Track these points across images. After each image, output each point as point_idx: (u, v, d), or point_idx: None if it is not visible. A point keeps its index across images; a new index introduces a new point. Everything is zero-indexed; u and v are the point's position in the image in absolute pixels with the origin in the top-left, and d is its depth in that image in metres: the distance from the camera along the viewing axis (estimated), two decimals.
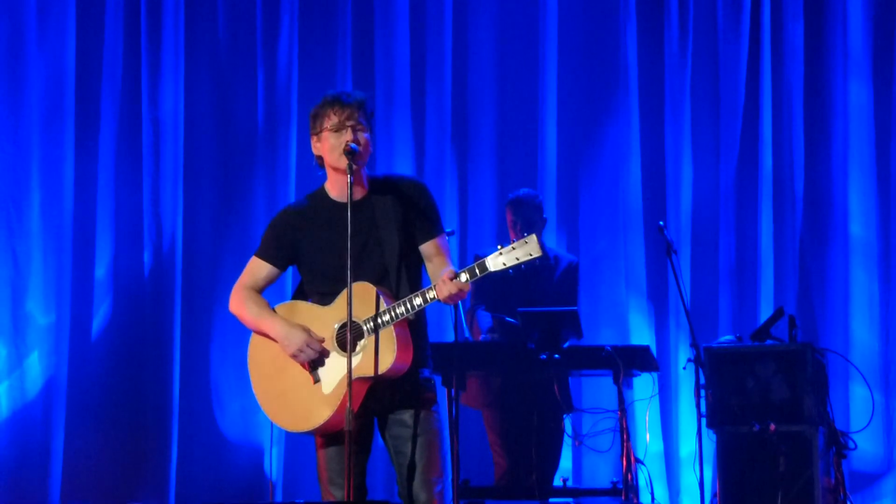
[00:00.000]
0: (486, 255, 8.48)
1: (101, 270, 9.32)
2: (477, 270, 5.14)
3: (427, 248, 5.40)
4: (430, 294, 5.18)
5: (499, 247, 5.18)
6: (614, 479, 8.11)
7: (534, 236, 5.13)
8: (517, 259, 5.13)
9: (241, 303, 5.46)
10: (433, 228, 5.41)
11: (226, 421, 9.44)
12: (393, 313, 5.18)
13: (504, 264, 5.13)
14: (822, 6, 10.05)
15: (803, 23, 10.01)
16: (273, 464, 9.33)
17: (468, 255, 9.65)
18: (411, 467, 5.25)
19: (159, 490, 9.18)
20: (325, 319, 5.29)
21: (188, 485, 9.32)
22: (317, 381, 5.28)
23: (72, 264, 9.17)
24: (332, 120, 5.35)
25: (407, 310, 5.19)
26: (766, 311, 9.44)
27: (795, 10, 9.99)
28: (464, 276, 5.14)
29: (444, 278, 5.15)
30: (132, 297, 9.36)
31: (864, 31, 9.95)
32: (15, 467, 8.93)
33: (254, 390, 5.40)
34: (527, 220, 8.52)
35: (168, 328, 9.31)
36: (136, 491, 9.20)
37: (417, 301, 5.18)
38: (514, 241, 5.17)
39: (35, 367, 9.04)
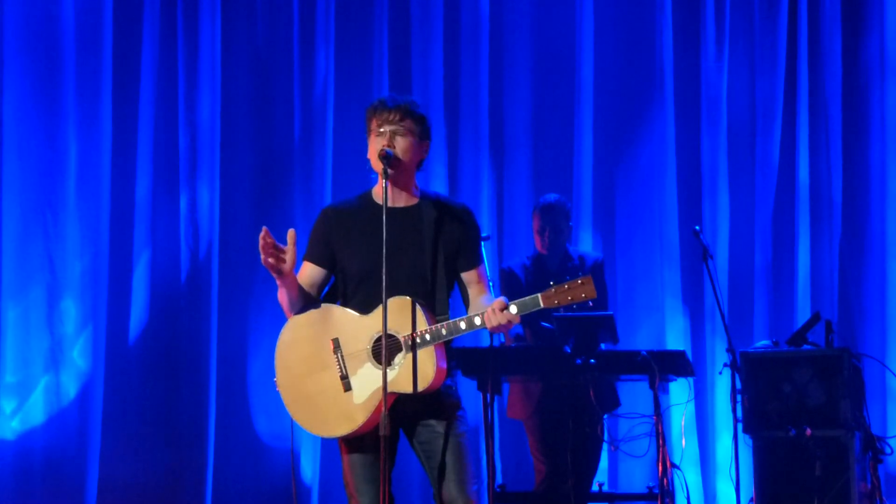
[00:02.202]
0: (513, 267, 8.56)
1: (137, 275, 9.36)
2: (529, 305, 5.14)
3: (469, 275, 5.43)
4: (478, 321, 5.18)
5: (551, 283, 5.18)
6: (650, 484, 8.11)
7: (590, 278, 5.14)
8: (570, 300, 5.13)
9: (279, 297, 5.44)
10: (477, 258, 5.45)
11: (262, 426, 9.46)
12: (437, 334, 5.18)
13: (557, 303, 5.13)
14: (860, 11, 10.02)
15: (840, 28, 9.97)
16: (309, 468, 9.37)
17: (504, 260, 9.65)
18: (444, 471, 5.25)
19: (196, 495, 9.20)
20: (361, 328, 5.28)
21: (225, 490, 9.34)
22: (348, 389, 5.27)
23: (108, 269, 9.20)
24: (374, 123, 5.36)
25: (451, 332, 5.18)
26: (802, 316, 9.41)
27: (833, 16, 9.95)
28: (514, 309, 5.14)
29: (494, 308, 5.15)
30: (169, 302, 9.40)
31: None
32: (51, 473, 8.96)
33: (280, 391, 5.39)
34: (556, 226, 8.52)
35: (205, 333, 9.34)
36: (173, 496, 9.22)
37: (462, 325, 5.18)
38: (567, 280, 5.18)
39: (72, 373, 9.08)
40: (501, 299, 5.18)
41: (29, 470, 8.95)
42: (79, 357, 9.10)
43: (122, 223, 9.35)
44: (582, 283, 5.12)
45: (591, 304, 5.20)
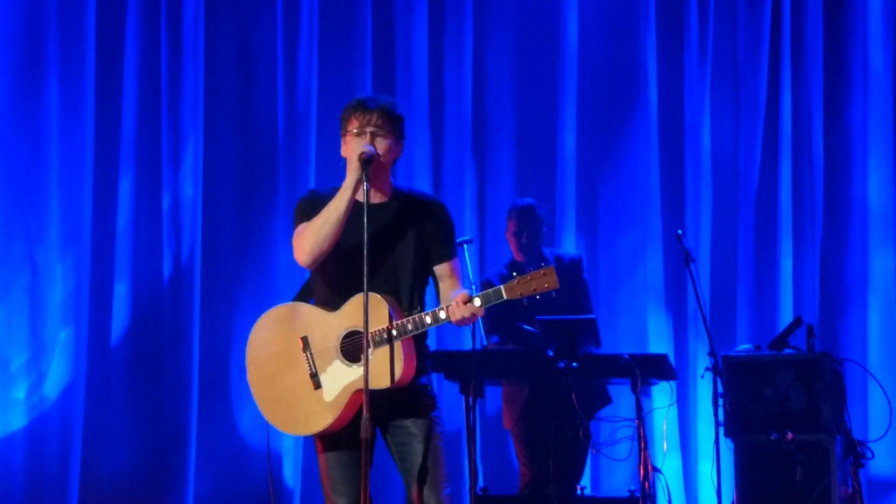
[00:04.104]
0: (490, 278, 8.58)
1: (120, 278, 9.32)
2: (492, 297, 5.15)
3: (442, 269, 5.41)
4: (442, 314, 5.19)
5: (514, 275, 5.20)
6: (632, 488, 8.11)
7: (552, 268, 5.14)
8: (534, 290, 5.13)
9: (305, 230, 5.33)
10: (450, 251, 5.43)
11: (245, 429, 9.45)
12: (402, 329, 5.19)
13: (521, 294, 5.14)
14: (842, 20, 10.05)
15: (822, 33, 10.00)
16: (291, 471, 9.36)
17: (487, 264, 9.66)
18: (418, 473, 5.25)
19: (178, 498, 9.19)
20: (330, 325, 5.29)
21: (207, 492, 9.33)
22: (318, 387, 5.27)
23: (90, 271, 9.17)
24: (354, 124, 5.35)
25: (416, 327, 5.19)
26: (784, 321, 9.43)
27: (815, 22, 9.98)
28: (477, 301, 5.16)
29: (458, 301, 5.16)
30: (151, 305, 9.37)
31: (884, 43, 9.94)
32: (33, 476, 8.93)
33: (251, 389, 5.40)
34: (533, 229, 8.52)
35: (187, 336, 9.32)
36: (155, 499, 9.21)
37: (428, 320, 5.19)
38: (529, 270, 5.19)
39: (53, 375, 9.05)
40: (465, 292, 5.20)
41: (10, 474, 8.92)
42: (60, 360, 9.06)
43: (103, 223, 9.32)
44: (544, 273, 5.12)
45: (554, 294, 5.20)
